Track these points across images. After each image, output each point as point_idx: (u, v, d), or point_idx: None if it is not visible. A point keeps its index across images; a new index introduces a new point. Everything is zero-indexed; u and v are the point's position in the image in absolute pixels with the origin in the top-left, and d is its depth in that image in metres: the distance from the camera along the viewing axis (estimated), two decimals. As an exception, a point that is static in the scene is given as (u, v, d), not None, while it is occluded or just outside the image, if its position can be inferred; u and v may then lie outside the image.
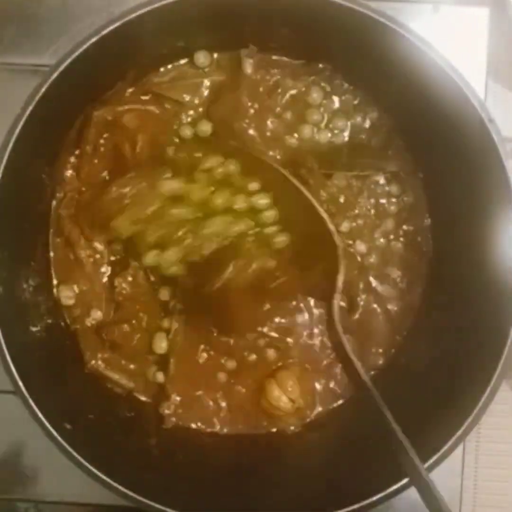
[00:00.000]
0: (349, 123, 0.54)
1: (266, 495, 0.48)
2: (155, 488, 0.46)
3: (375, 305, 0.54)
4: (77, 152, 0.53)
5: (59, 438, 0.45)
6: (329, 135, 0.54)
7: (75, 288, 0.53)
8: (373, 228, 0.54)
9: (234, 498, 0.48)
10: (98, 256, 0.53)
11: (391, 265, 0.54)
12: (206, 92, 0.53)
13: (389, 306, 0.54)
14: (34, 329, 0.50)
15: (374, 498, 0.45)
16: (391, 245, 0.54)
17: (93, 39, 0.44)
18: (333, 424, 0.53)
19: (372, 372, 0.53)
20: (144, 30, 0.46)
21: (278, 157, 0.53)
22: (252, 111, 0.52)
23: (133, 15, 0.44)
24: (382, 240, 0.54)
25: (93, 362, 0.52)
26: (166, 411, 0.52)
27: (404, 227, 0.54)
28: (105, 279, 0.53)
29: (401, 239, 0.54)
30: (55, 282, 0.53)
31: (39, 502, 0.55)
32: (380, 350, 0.54)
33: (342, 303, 0.52)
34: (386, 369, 0.54)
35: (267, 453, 0.52)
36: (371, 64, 0.50)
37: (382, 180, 0.54)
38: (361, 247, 0.54)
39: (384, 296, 0.54)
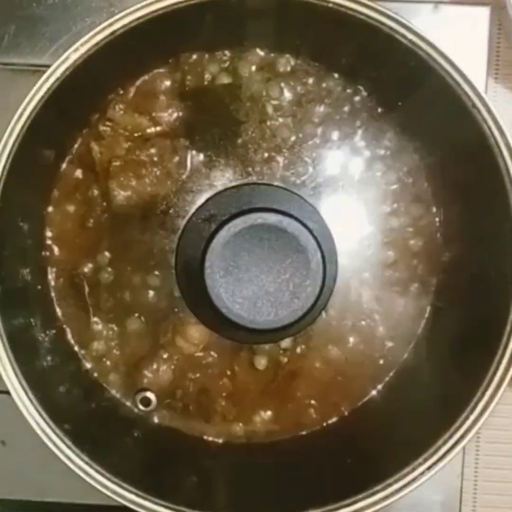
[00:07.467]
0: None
1: (266, 494, 0.48)
2: (157, 487, 0.46)
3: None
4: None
5: (59, 437, 0.45)
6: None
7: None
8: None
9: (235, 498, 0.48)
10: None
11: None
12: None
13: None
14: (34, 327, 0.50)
15: (374, 498, 0.45)
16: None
17: (94, 39, 0.44)
18: (335, 428, 0.53)
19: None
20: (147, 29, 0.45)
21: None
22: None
23: (134, 15, 0.44)
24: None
25: None
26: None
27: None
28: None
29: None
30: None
31: (38, 502, 0.55)
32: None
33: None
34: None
35: (267, 453, 0.53)
36: (370, 63, 0.50)
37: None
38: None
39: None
